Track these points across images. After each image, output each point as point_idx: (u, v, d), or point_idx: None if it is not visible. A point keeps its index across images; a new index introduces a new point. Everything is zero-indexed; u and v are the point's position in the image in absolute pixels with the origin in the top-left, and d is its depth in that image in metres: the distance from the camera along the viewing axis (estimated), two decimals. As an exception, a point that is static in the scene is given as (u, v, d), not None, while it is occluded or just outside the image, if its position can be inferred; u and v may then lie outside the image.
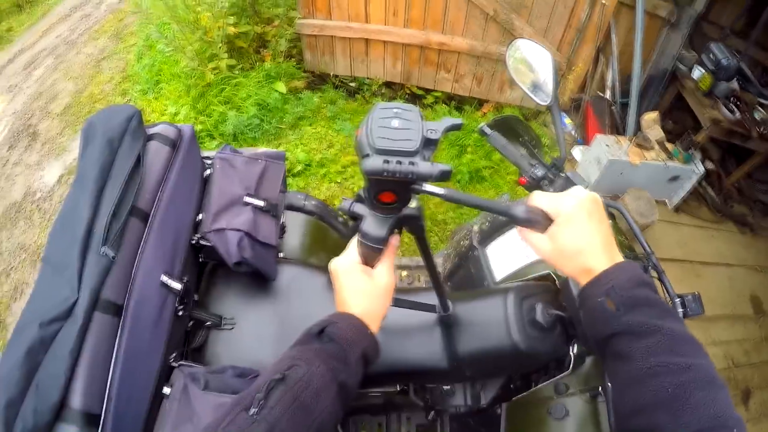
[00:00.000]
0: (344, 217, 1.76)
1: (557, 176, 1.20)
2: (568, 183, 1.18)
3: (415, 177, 0.63)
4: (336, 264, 0.84)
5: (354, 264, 0.82)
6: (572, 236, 0.72)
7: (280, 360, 0.70)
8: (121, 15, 5.86)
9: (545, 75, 1.16)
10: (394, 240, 0.83)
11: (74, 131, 4.37)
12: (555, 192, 1.00)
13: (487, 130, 1.31)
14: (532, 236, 0.78)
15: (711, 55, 3.58)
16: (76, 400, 0.86)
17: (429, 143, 0.67)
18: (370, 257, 0.83)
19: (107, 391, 0.91)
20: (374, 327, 0.80)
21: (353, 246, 0.83)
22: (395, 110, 0.68)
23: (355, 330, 0.76)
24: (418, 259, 2.48)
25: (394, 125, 0.66)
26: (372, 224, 0.77)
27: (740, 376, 3.12)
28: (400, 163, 0.63)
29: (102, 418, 0.89)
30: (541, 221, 0.77)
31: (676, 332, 0.63)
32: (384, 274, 0.83)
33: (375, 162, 0.62)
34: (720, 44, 3.60)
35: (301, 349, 0.72)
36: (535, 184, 1.22)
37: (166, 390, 1.05)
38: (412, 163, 0.63)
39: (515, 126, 1.37)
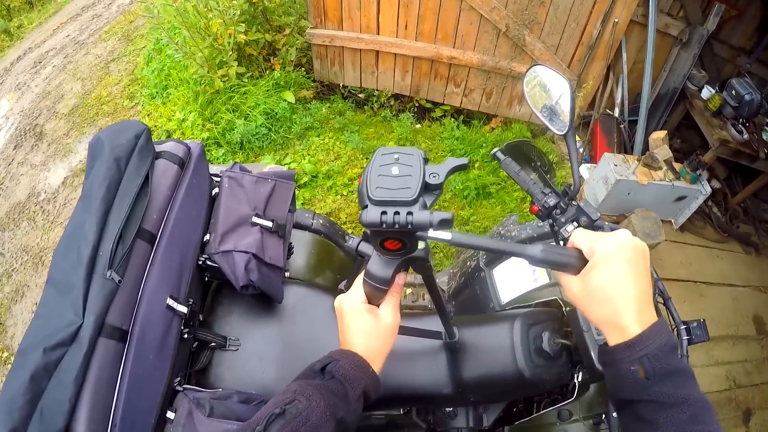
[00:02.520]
0: (351, 236, 1.75)
1: (569, 205, 1.19)
2: (580, 212, 1.18)
3: (413, 228, 0.62)
4: (341, 303, 0.83)
5: (359, 304, 0.81)
6: (607, 280, 0.66)
7: (283, 393, 0.71)
8: (131, 17, 5.86)
9: (563, 103, 1.15)
10: (400, 279, 0.83)
11: (80, 132, 4.37)
12: (588, 230, 1.00)
13: (501, 156, 1.30)
14: (563, 275, 0.75)
15: (733, 92, 3.56)
16: (80, 428, 0.86)
17: (431, 188, 0.66)
18: (374, 297, 0.82)
19: (111, 417, 0.91)
20: (377, 365, 0.81)
21: (358, 284, 0.82)
22: (396, 155, 0.67)
23: (357, 368, 0.77)
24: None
25: (394, 172, 0.65)
26: (377, 265, 0.77)
27: (741, 396, 3.12)
28: (397, 213, 0.62)
29: None
30: (572, 263, 0.72)
31: (699, 400, 0.62)
32: (389, 314, 0.82)
33: (372, 214, 0.62)
34: (741, 79, 3.59)
35: (303, 384, 0.73)
36: (546, 213, 1.21)
37: (170, 415, 1.05)
38: (410, 213, 0.62)
39: (528, 151, 1.36)
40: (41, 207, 3.87)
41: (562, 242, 1.11)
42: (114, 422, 0.90)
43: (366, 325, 0.81)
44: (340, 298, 0.84)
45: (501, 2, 3.31)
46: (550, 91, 1.18)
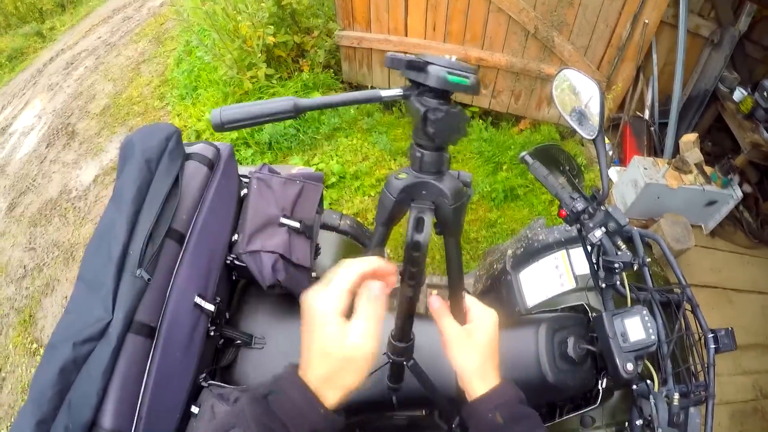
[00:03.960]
0: None
1: (597, 210, 1.19)
2: (608, 218, 1.18)
3: None
4: (310, 299, 0.63)
5: (329, 309, 0.62)
6: (486, 341, 0.79)
7: (230, 412, 0.62)
8: (161, 19, 5.98)
9: (592, 107, 1.14)
10: (382, 306, 0.66)
11: (112, 132, 4.47)
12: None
13: (529, 160, 1.30)
14: (450, 320, 0.79)
15: (765, 93, 3.46)
16: (107, 420, 0.88)
17: None
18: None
19: (137, 411, 0.93)
20: (332, 399, 0.61)
21: (338, 281, 0.64)
22: None
23: (305, 404, 0.60)
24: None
25: None
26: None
27: (768, 407, 3.02)
28: None
29: None
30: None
31: None
32: (363, 335, 0.62)
33: None
34: None
35: (247, 409, 0.60)
36: (574, 218, 1.22)
37: (194, 409, 1.06)
38: None
39: (557, 155, 1.36)
40: (72, 204, 3.97)
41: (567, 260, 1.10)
42: (140, 416, 0.92)
43: (329, 344, 0.61)
44: (309, 293, 0.64)
45: (529, 3, 3.29)
46: (579, 94, 1.17)
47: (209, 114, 3.48)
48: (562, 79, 1.20)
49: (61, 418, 0.86)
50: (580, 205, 1.20)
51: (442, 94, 0.64)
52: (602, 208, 1.20)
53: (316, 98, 0.66)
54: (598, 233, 1.17)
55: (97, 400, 0.88)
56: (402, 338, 0.85)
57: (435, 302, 0.80)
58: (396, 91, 0.66)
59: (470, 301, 0.82)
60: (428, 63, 0.61)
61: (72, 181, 4.16)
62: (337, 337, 0.61)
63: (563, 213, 1.23)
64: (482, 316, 0.80)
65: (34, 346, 3.11)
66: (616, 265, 1.16)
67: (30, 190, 4.21)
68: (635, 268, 1.18)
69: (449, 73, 0.61)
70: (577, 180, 1.31)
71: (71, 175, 4.21)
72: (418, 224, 0.68)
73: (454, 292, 0.83)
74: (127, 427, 0.90)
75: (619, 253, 1.17)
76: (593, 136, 1.13)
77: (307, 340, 0.63)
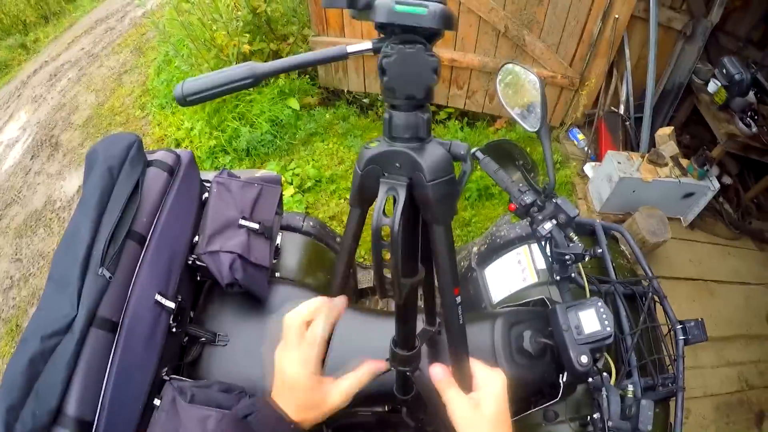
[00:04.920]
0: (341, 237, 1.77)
1: (547, 203, 1.21)
2: (558, 210, 1.18)
3: None
4: (291, 321, 0.70)
5: (307, 370, 0.67)
6: (498, 411, 0.70)
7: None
8: (143, 29, 6.00)
9: (535, 100, 1.16)
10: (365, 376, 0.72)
11: (94, 143, 4.47)
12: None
13: (479, 155, 1.31)
14: (456, 391, 0.71)
15: (724, 70, 3.46)
16: (72, 407, 0.93)
17: None
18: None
19: (100, 400, 0.98)
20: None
21: (317, 325, 0.67)
22: None
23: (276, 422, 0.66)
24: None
25: None
26: None
27: (754, 398, 3.02)
28: None
29: (95, 424, 0.96)
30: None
31: None
32: (337, 395, 0.69)
33: None
34: (732, 58, 3.48)
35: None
36: (524, 211, 1.22)
37: (157, 402, 1.11)
38: None
39: (511, 150, 1.36)
40: (57, 214, 3.99)
41: (530, 255, 1.08)
42: (103, 405, 0.97)
43: (302, 398, 0.67)
44: (290, 315, 0.71)
45: (499, 3, 3.33)
46: (522, 88, 1.19)
47: (188, 122, 3.48)
48: (506, 74, 1.23)
49: (29, 405, 0.91)
50: (528, 198, 1.20)
51: (411, 40, 0.53)
52: (552, 200, 1.19)
53: (274, 62, 0.58)
54: (548, 225, 1.16)
55: (62, 388, 0.93)
56: (403, 345, 0.80)
57: (438, 372, 0.72)
58: (364, 45, 0.58)
59: (474, 366, 0.75)
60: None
61: (56, 192, 4.19)
62: (312, 393, 0.67)
63: (512, 207, 1.24)
64: (489, 381, 0.72)
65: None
66: (567, 257, 1.16)
67: (15, 201, 4.24)
68: (586, 259, 1.17)
69: (396, 2, 0.50)
70: (531, 174, 1.31)
71: (55, 186, 4.23)
72: (388, 204, 0.58)
73: (456, 350, 0.76)
74: (91, 414, 0.95)
75: (570, 245, 1.16)
76: (536, 129, 1.15)
77: (278, 371, 0.68)
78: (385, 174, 0.60)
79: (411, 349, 0.79)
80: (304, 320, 0.69)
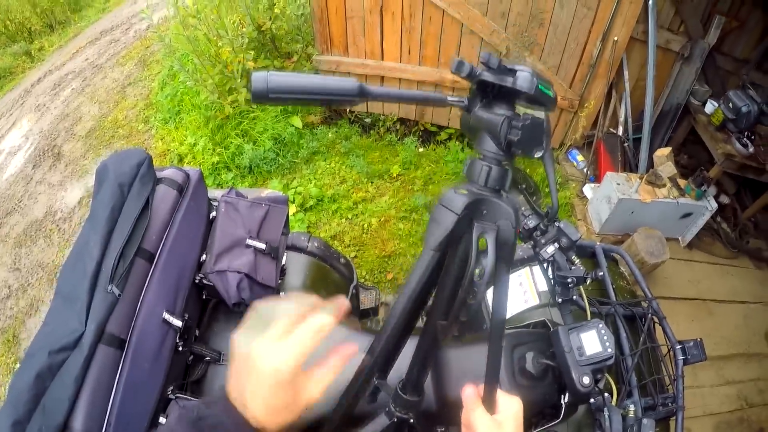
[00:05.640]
0: (346, 258, 1.80)
1: (549, 227, 1.22)
2: (560, 234, 1.20)
3: None
4: (256, 354, 0.59)
5: (287, 369, 0.58)
6: None
7: None
8: (147, 42, 6.02)
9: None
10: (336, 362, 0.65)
11: (97, 154, 4.50)
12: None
13: None
14: (482, 411, 0.76)
15: (730, 104, 3.53)
16: (78, 423, 0.94)
17: None
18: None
19: (107, 416, 0.99)
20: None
21: (303, 335, 0.60)
22: None
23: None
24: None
25: None
26: None
27: (754, 416, 3.02)
28: None
29: None
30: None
31: None
32: (312, 384, 0.62)
33: None
34: (738, 91, 3.55)
35: None
36: (527, 235, 1.24)
37: (162, 420, 1.12)
38: None
39: (514, 174, 1.38)
40: (57, 225, 3.99)
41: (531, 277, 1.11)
42: (109, 421, 0.98)
43: (278, 397, 0.58)
44: (257, 344, 0.60)
45: (500, 25, 3.37)
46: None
47: (191, 137, 3.48)
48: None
49: (36, 420, 0.92)
50: (531, 222, 1.21)
51: (511, 104, 0.60)
52: (555, 224, 1.20)
53: (383, 88, 0.60)
54: (551, 249, 1.17)
55: (69, 404, 0.94)
56: (415, 390, 0.79)
57: (470, 393, 0.76)
58: (460, 99, 0.64)
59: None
60: (514, 69, 0.59)
61: (57, 202, 4.19)
62: (291, 395, 0.60)
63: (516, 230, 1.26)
64: (509, 405, 0.77)
65: (18, 366, 3.10)
66: (569, 280, 1.16)
67: (16, 210, 4.23)
68: (588, 282, 1.18)
69: (539, 81, 0.58)
70: (534, 198, 1.33)
71: (57, 197, 4.23)
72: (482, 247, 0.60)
73: (491, 374, 0.77)
74: (97, 430, 0.96)
75: (572, 268, 1.17)
76: (540, 155, 1.17)
77: (252, 392, 0.59)
78: (473, 219, 0.64)
79: (419, 395, 0.79)
80: (301, 311, 0.63)
